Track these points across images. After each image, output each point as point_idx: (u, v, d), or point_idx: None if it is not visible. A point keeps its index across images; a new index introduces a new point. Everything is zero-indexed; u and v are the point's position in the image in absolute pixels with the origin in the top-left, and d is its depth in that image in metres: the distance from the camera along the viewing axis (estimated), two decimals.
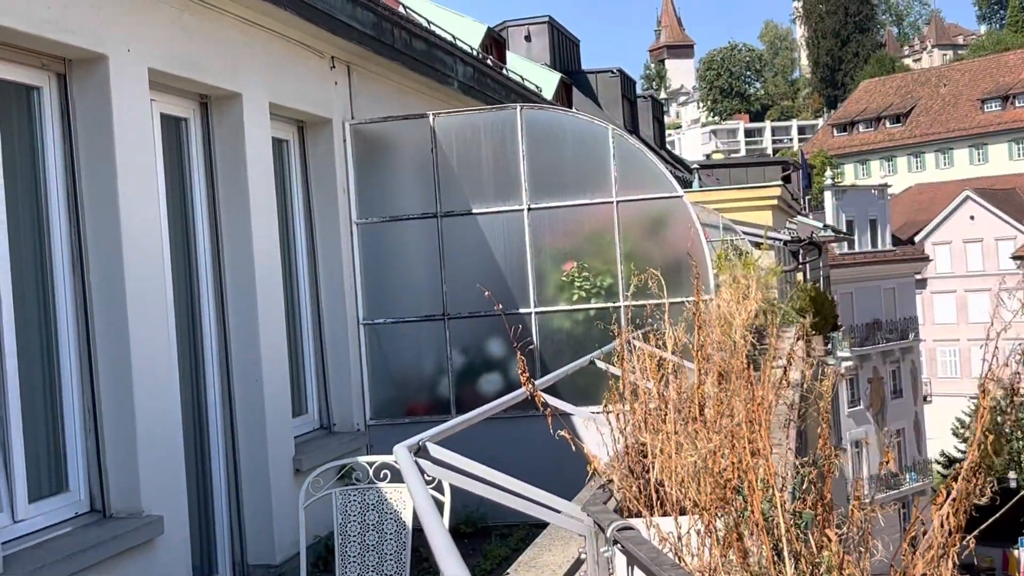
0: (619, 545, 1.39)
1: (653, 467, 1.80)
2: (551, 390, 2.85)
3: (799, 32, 55.37)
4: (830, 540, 1.12)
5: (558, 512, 1.73)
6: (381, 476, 2.89)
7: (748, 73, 65.75)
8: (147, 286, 3.20)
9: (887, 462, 24.00)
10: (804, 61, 59.29)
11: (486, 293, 3.71)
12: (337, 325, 4.87)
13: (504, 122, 5.01)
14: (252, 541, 3.96)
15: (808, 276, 13.69)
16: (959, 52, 49.30)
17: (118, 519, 3.02)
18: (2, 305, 2.77)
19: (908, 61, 51.96)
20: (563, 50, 21.97)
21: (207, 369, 3.89)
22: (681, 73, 68.44)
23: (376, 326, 5.04)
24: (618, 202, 4.75)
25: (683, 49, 67.67)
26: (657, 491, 1.78)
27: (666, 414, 1.86)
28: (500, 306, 4.02)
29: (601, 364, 3.12)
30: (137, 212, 3.19)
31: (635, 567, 1.25)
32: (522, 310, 4.86)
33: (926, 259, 30.45)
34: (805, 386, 2.70)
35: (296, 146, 4.85)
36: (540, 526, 2.37)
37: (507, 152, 4.95)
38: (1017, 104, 35.79)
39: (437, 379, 5.10)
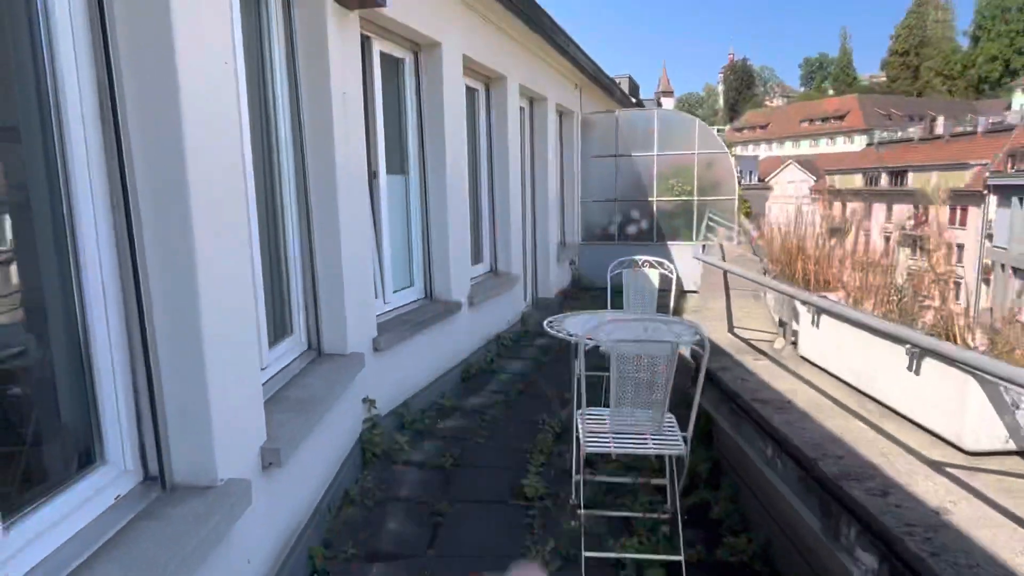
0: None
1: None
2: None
3: (720, 86, 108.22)
4: None
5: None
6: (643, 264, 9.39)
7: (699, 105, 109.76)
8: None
9: None
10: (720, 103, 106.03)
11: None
12: (568, 201, 11.25)
13: (647, 115, 11.14)
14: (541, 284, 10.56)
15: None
16: (790, 97, 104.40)
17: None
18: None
19: (767, 101, 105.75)
20: None
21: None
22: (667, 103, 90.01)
23: (585, 203, 11.45)
24: (697, 153, 10.87)
25: (668, 93, 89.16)
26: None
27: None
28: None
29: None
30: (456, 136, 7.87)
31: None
32: (649, 198, 11.19)
33: (771, 188, 58.45)
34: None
35: (552, 114, 11.03)
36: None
37: (647, 128, 11.07)
38: (816, 123, 77.41)
39: (609, 225, 11.59)
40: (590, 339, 3.03)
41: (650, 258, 5.32)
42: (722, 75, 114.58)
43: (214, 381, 2.05)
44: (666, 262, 5.31)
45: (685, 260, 9.16)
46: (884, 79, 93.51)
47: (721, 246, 9.66)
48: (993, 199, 36.16)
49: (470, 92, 6.75)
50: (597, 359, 3.91)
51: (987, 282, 33.70)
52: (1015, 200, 28.04)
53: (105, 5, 1.82)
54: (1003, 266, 31.03)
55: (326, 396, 3.20)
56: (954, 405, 2.71)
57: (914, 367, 2.93)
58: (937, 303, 7.87)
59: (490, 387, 5.82)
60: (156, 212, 1.92)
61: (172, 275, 1.95)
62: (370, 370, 4.17)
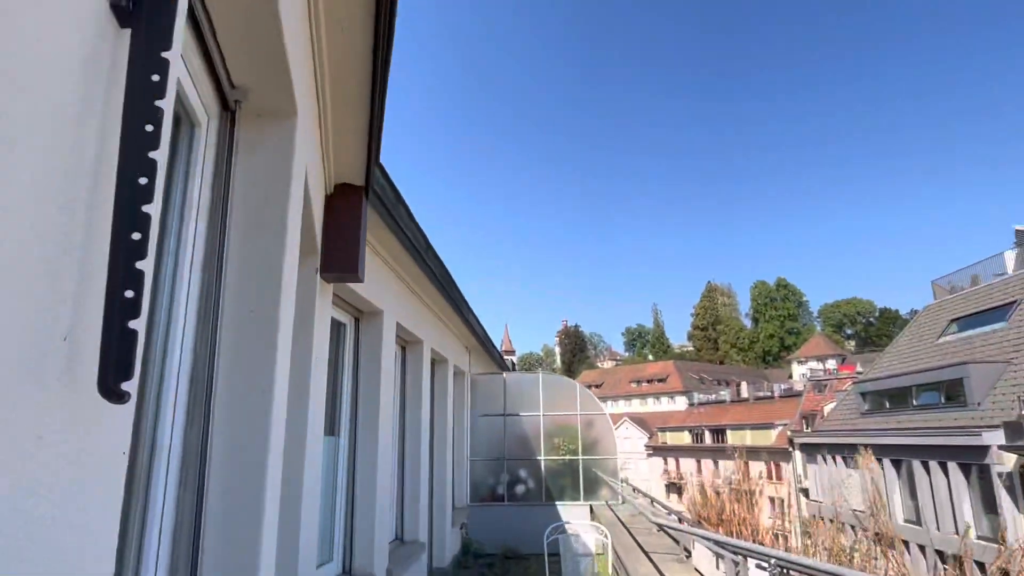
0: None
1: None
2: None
3: (557, 348, 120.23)
4: None
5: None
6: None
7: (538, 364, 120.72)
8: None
9: None
10: (558, 362, 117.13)
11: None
12: (458, 460, 11.12)
13: (533, 378, 11.98)
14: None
15: None
16: (617, 360, 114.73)
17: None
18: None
19: (598, 363, 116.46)
20: None
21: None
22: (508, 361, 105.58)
23: (474, 461, 11.36)
24: (579, 414, 11.61)
25: (510, 352, 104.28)
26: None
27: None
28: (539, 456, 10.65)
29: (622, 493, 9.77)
30: (388, 396, 9.53)
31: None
32: (537, 457, 11.41)
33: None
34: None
35: (452, 375, 11.41)
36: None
37: (532, 389, 11.79)
38: (643, 384, 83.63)
39: (497, 485, 11.42)
40: None
41: (582, 522, 5.37)
42: (558, 338, 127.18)
43: None
44: (600, 526, 5.38)
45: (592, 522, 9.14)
46: (691, 348, 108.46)
47: (611, 507, 9.86)
48: (798, 455, 41.30)
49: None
50: None
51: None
52: (819, 458, 32.14)
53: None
54: (823, 518, 34.02)
55: None
56: None
57: None
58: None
59: None
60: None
61: None
62: None
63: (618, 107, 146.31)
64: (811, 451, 30.40)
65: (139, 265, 0.64)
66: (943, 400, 20.24)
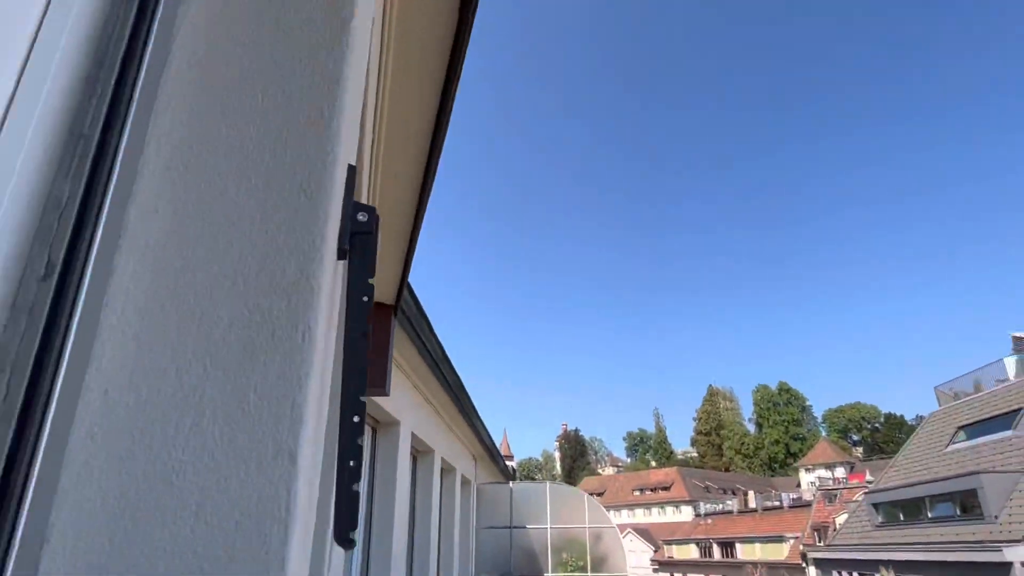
0: None
1: None
2: None
3: (557, 453, 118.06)
4: None
5: None
6: None
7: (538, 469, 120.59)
8: None
9: None
10: (558, 468, 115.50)
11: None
12: (463, 570, 10.72)
13: (540, 487, 11.79)
14: None
15: None
16: (619, 467, 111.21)
17: None
18: None
19: (599, 469, 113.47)
20: None
21: None
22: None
23: None
24: (588, 527, 11.33)
25: (509, 458, 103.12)
26: None
27: None
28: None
29: None
30: (402, 505, 9.32)
31: None
32: (544, 574, 11.01)
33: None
34: None
35: (459, 484, 11.24)
36: None
37: (540, 500, 11.58)
38: (647, 492, 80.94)
39: None
40: None
41: None
42: (558, 443, 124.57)
43: None
44: None
45: None
46: (695, 454, 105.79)
47: None
48: (813, 572, 39.39)
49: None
50: None
51: None
52: (835, 574, 30.66)
53: None
54: None
55: None
56: None
57: None
58: None
59: None
60: None
61: None
62: None
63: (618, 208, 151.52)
64: (826, 567, 29.07)
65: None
66: (958, 512, 19.67)
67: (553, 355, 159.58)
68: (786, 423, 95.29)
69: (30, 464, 0.57)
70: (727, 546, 50.22)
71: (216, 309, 0.68)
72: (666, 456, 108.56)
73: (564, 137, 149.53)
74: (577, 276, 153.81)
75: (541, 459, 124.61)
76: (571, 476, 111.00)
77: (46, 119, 0.64)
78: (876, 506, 24.57)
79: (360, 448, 0.84)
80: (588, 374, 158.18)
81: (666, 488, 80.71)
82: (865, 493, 28.35)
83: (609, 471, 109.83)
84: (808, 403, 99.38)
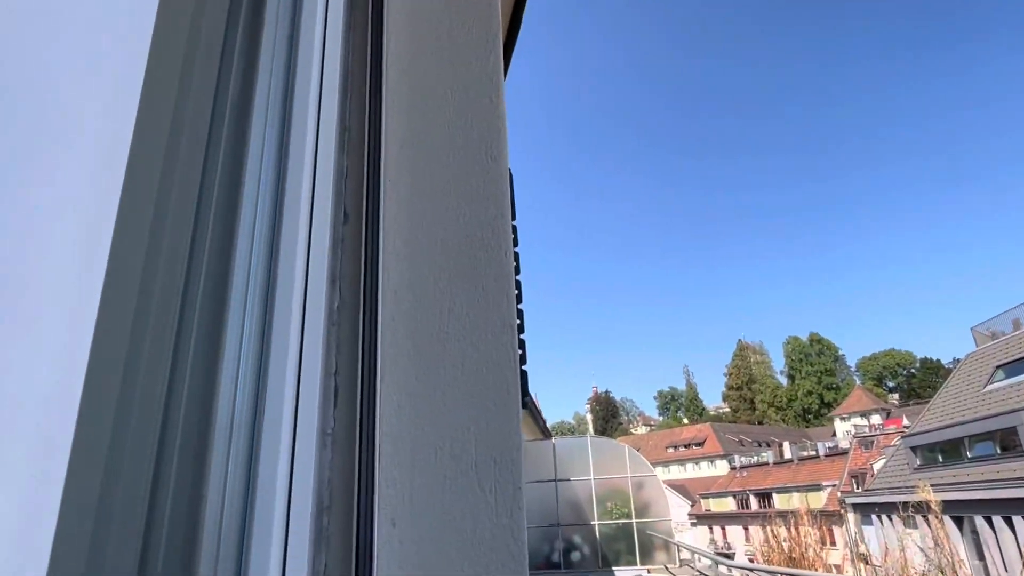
0: None
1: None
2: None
3: (588, 415, 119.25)
4: None
5: None
6: None
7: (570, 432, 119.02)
8: None
9: None
10: (591, 430, 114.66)
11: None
12: None
13: (582, 442, 12.20)
14: None
15: None
16: (651, 425, 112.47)
17: None
18: None
19: (631, 428, 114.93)
20: None
21: None
22: None
23: (528, 529, 11.44)
24: (630, 477, 11.73)
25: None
26: None
27: None
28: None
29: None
30: None
31: None
32: (591, 522, 11.48)
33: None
34: None
35: None
36: None
37: (582, 454, 11.99)
38: (680, 449, 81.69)
39: (552, 553, 11.46)
40: None
41: None
42: (589, 405, 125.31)
43: None
44: None
45: None
46: (727, 409, 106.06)
47: (669, 570, 9.87)
48: (851, 516, 39.67)
49: None
50: None
51: None
52: (874, 518, 30.93)
53: None
54: None
55: None
56: None
57: None
58: None
59: None
60: None
61: None
62: None
63: (647, 167, 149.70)
64: (865, 511, 29.36)
65: None
66: (998, 451, 19.69)
67: (579, 319, 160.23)
68: (819, 373, 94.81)
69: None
70: (764, 497, 50.80)
71: (446, 234, 0.97)
72: (698, 413, 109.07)
73: (613, 85, 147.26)
74: (598, 233, 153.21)
75: (573, 422, 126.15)
76: (604, 436, 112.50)
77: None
78: (914, 449, 24.67)
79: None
80: (614, 337, 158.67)
81: (699, 444, 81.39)
82: (902, 437, 28.39)
83: (642, 430, 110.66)
84: (841, 352, 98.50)
